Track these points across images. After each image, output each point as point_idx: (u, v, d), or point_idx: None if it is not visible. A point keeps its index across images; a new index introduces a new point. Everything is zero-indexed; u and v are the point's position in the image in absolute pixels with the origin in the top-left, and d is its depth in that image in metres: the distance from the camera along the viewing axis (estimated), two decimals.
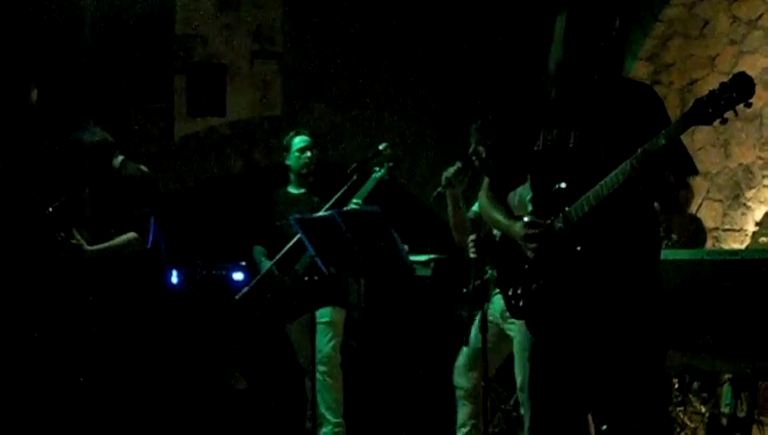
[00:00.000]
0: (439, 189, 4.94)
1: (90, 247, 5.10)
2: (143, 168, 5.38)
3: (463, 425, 5.10)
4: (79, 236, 5.07)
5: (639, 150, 3.07)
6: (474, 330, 4.91)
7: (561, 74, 3.36)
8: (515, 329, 4.62)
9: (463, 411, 5.11)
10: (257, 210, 6.02)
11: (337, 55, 7.85)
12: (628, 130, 3.21)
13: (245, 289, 5.63)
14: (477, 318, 4.84)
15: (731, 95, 2.92)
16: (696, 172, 3.38)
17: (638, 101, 3.33)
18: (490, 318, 4.68)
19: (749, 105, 2.93)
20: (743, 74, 2.92)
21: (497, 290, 4.63)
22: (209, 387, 6.61)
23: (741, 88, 2.91)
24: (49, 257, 5.27)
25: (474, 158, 4.99)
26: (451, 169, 4.92)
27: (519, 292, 3.49)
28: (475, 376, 5.00)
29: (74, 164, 5.23)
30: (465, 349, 5.05)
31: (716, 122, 2.97)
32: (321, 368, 5.62)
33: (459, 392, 5.11)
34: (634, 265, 3.31)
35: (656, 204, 3.38)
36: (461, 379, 5.09)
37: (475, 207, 5.15)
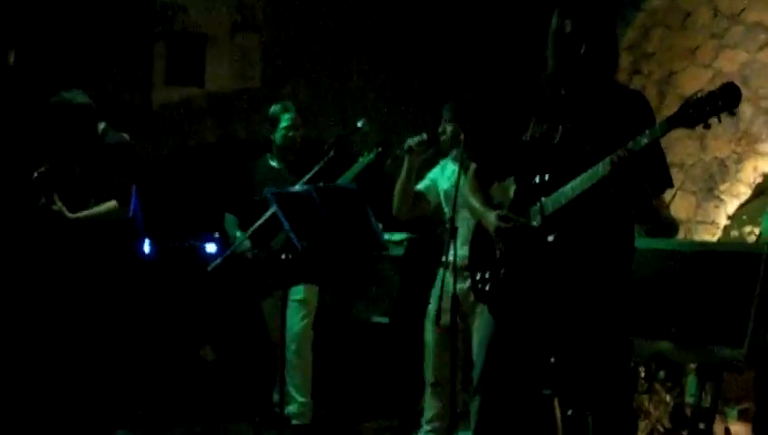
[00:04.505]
0: (398, 152, 5.04)
1: (71, 215, 5.05)
2: (125, 136, 5.33)
3: (431, 420, 5.12)
4: (60, 203, 5.01)
5: (620, 149, 3.10)
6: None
7: (553, 76, 3.39)
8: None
9: (433, 406, 5.12)
10: (234, 181, 5.98)
11: (318, 30, 7.81)
12: (615, 132, 3.24)
13: (217, 261, 5.61)
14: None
15: (717, 103, 2.96)
16: (671, 185, 3.42)
17: (629, 106, 3.36)
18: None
19: (733, 114, 2.97)
20: (731, 84, 2.96)
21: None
22: (178, 357, 6.60)
23: (728, 97, 2.95)
24: (30, 223, 5.21)
25: (442, 136, 5.07)
26: (416, 138, 5.03)
27: (487, 276, 3.52)
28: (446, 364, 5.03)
29: (61, 125, 5.13)
30: (429, 339, 5.09)
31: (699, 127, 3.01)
32: (291, 346, 5.60)
33: (432, 387, 5.12)
34: (605, 257, 3.34)
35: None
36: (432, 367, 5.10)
37: (421, 185, 5.20)
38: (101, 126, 5.26)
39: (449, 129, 5.08)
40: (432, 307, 5.06)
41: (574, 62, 3.33)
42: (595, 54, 3.32)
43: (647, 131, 3.10)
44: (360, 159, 5.36)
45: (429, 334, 5.10)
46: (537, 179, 3.39)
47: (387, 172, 5.24)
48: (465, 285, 4.37)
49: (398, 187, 5.15)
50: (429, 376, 5.10)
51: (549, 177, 3.35)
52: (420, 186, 5.23)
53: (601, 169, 3.16)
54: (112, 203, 5.10)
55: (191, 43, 7.57)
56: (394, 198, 5.18)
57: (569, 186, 3.25)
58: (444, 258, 4.85)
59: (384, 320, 6.15)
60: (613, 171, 3.11)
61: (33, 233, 5.32)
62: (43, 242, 5.22)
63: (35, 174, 5.10)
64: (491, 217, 3.45)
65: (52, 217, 5.01)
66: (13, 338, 5.72)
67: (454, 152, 5.15)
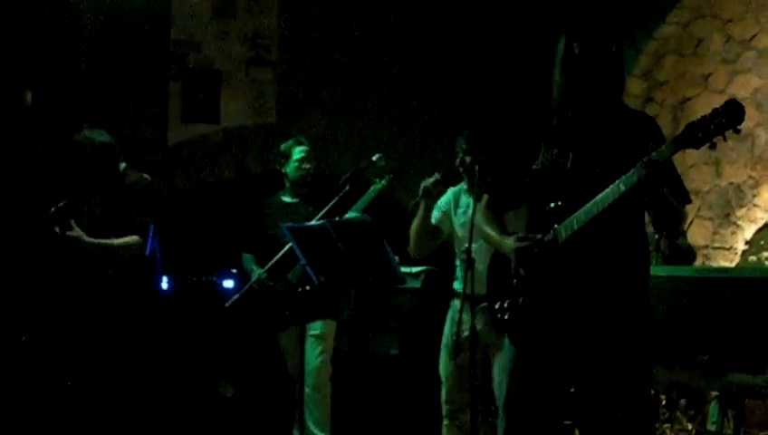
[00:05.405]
0: (417, 199, 5.03)
1: (89, 239, 5.03)
2: (146, 175, 5.34)
3: None
4: (78, 229, 5.00)
5: (644, 159, 3.09)
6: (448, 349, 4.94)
7: (561, 101, 3.39)
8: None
9: None
10: (249, 217, 6.00)
11: (332, 64, 7.87)
12: (625, 154, 3.24)
13: (235, 296, 5.62)
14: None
15: (721, 121, 2.97)
16: (689, 201, 3.43)
17: (638, 128, 3.36)
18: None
19: (738, 131, 2.98)
20: (734, 101, 2.97)
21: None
22: (196, 394, 6.59)
23: (731, 114, 2.96)
24: (48, 254, 5.21)
25: (461, 169, 5.05)
26: (430, 180, 5.01)
27: (505, 305, 3.51)
28: (464, 396, 5.01)
29: (82, 164, 5.15)
30: (444, 374, 5.08)
31: (705, 146, 3.01)
32: (309, 381, 5.55)
33: (449, 419, 5.10)
34: (622, 282, 3.33)
35: (650, 224, 3.39)
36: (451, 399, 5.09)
37: (433, 219, 5.19)
38: (122, 165, 5.29)
39: (468, 160, 5.05)
40: (447, 338, 5.05)
41: (584, 85, 3.33)
42: (604, 76, 3.33)
43: (653, 153, 3.10)
44: (372, 187, 5.35)
45: (444, 366, 5.09)
46: (551, 206, 3.38)
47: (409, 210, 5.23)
48: (486, 316, 4.36)
49: (414, 229, 5.12)
50: (445, 408, 5.09)
51: (562, 203, 3.35)
52: (432, 220, 5.21)
53: (623, 185, 3.14)
54: (134, 237, 5.09)
55: (206, 80, 7.64)
56: (411, 241, 5.16)
57: (581, 210, 3.25)
58: (460, 289, 4.83)
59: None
60: (647, 176, 3.07)
61: (51, 261, 5.32)
62: (61, 270, 5.22)
63: (53, 209, 5.11)
64: (509, 241, 3.45)
65: (68, 243, 4.99)
66: (29, 372, 5.73)
67: (466, 184, 5.14)
